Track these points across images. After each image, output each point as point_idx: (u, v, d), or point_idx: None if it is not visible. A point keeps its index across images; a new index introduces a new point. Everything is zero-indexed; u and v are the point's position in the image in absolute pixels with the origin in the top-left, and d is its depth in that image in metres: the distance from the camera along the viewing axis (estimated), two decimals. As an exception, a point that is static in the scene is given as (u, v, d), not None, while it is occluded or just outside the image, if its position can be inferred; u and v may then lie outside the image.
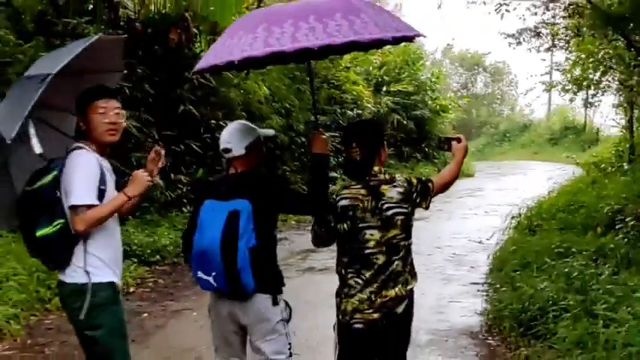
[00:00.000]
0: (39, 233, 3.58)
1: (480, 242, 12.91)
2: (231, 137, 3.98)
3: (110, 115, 3.73)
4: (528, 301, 6.96)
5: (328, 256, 11.08)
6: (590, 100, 34.99)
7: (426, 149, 28.23)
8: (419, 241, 4.91)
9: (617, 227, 10.82)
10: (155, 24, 13.99)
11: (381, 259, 3.83)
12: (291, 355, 4.02)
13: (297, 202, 4.18)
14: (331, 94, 21.58)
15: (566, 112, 50.83)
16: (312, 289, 8.94)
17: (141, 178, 3.77)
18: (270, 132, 4.59)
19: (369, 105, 23.05)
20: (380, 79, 26.44)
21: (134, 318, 7.70)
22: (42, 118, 3.79)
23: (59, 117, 3.98)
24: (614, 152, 21.26)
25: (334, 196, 3.99)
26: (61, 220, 3.56)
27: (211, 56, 3.88)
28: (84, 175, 3.58)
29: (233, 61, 3.52)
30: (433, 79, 29.78)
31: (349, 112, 21.85)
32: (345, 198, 3.92)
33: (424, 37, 4.00)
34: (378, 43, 4.53)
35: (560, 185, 18.55)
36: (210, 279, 3.72)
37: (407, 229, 3.92)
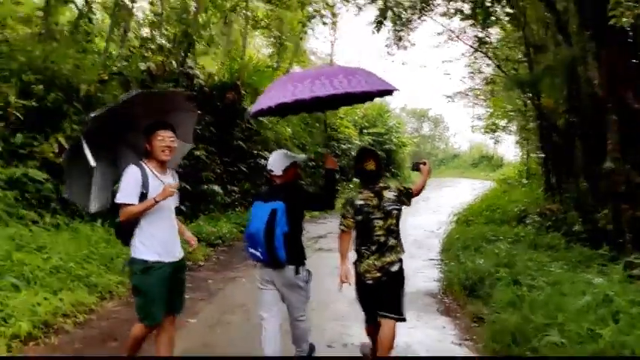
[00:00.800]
0: (117, 220, 3.62)
1: (432, 232, 12.43)
2: (274, 162, 4.01)
3: (166, 140, 3.64)
4: (470, 272, 6.58)
5: (331, 240, 10.73)
6: (497, 138, 35.11)
7: (393, 171, 27.70)
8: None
9: (525, 221, 10.56)
10: (217, 88, 13.76)
11: (383, 238, 3.98)
12: (308, 299, 4.05)
13: (316, 201, 4.15)
14: (331, 134, 21.23)
15: (481, 147, 51.45)
16: (322, 264, 8.50)
17: (166, 189, 3.57)
18: (303, 157, 4.51)
19: (356, 141, 22.73)
20: (362, 125, 26.04)
21: (203, 283, 7.30)
22: (131, 141, 3.83)
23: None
24: (516, 172, 21.09)
25: (352, 199, 4.05)
26: None
27: (258, 104, 3.89)
28: (126, 182, 3.53)
29: (272, 107, 3.59)
30: (397, 125, 29.48)
31: (342, 146, 21.57)
32: (360, 200, 4.01)
33: (399, 90, 3.95)
34: (368, 96, 4.26)
35: (482, 194, 18.24)
36: (258, 253, 3.80)
37: (398, 219, 4.06)
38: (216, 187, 11.96)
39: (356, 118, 25.07)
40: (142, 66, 10.55)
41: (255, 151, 14.77)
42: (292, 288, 3.92)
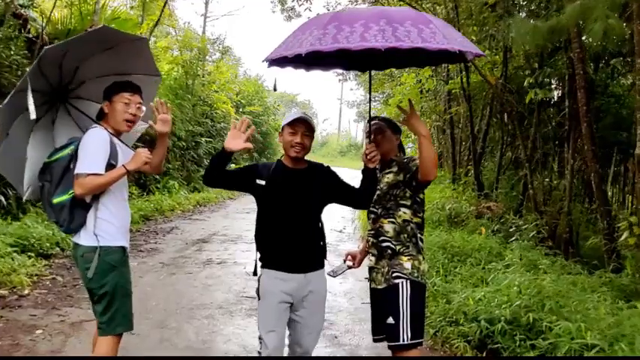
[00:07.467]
0: (55, 200, 2.75)
1: (340, 231, 10.32)
2: None
3: (132, 107, 2.86)
4: (473, 315, 4.32)
5: (219, 247, 8.18)
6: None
7: (268, 155, 25.07)
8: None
9: (459, 223, 8.92)
10: (62, 37, 10.22)
11: None
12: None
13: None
14: (204, 110, 18.19)
15: (349, 134, 51.43)
16: (222, 285, 5.89)
17: (140, 155, 2.80)
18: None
19: (233, 120, 19.95)
20: (238, 102, 23.10)
21: (23, 336, 4.30)
22: (75, 105, 3.12)
23: (89, 105, 3.09)
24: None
25: None
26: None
27: (282, 48, 2.59)
28: (93, 149, 2.71)
29: (301, 54, 2.36)
30: (274, 107, 27.10)
31: (218, 125, 18.73)
32: None
33: (485, 56, 2.10)
34: (439, 59, 3.15)
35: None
36: None
37: None
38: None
39: (232, 94, 22.14)
40: None
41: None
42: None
